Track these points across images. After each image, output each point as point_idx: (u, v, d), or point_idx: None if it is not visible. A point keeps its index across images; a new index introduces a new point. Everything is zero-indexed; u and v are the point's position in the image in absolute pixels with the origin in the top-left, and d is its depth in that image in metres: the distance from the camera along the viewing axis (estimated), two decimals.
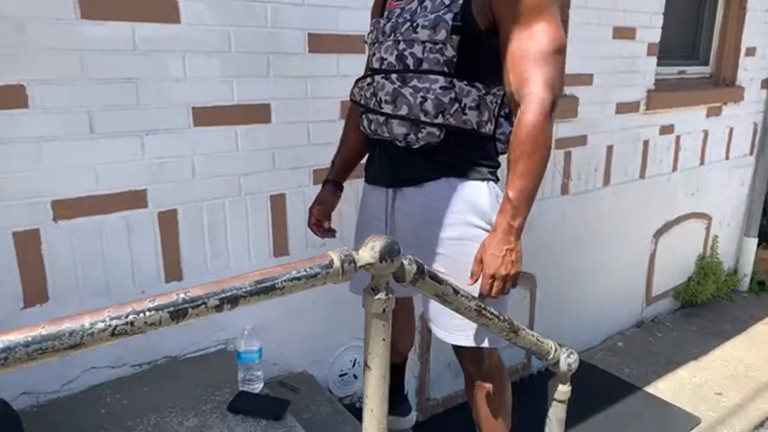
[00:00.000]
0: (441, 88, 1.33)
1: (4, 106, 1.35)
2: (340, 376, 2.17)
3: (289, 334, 1.98)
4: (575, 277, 2.96)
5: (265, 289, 0.78)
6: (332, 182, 1.66)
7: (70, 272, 1.52)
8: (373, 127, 1.44)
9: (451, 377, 2.54)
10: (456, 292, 1.04)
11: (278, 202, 1.86)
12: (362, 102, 1.46)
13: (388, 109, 1.39)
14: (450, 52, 1.31)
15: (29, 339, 0.65)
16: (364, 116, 1.47)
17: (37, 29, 1.36)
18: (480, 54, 1.33)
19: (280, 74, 1.77)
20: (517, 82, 1.27)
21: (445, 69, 1.33)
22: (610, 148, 2.93)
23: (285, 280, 0.81)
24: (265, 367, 1.95)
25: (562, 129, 2.64)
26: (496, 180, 1.46)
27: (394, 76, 1.37)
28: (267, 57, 1.74)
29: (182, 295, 0.72)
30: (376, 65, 1.43)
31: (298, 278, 0.83)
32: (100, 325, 0.67)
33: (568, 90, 2.63)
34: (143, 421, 1.44)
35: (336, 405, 1.90)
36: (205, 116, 1.66)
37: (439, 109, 1.34)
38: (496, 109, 1.39)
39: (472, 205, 1.40)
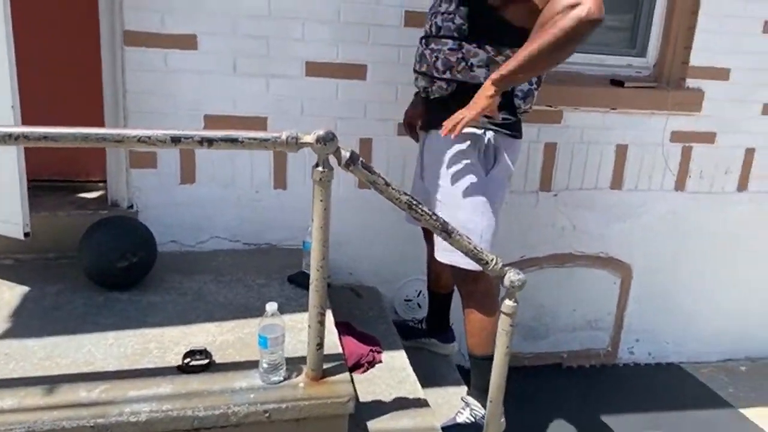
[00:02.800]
0: (449, 49, 1.68)
1: (183, 47, 2.10)
2: (406, 301, 2.58)
3: (364, 253, 2.46)
4: (690, 283, 2.84)
5: (231, 139, 1.30)
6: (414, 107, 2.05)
7: (209, 166, 2.23)
8: (415, 83, 1.86)
9: (518, 338, 2.74)
10: (387, 184, 1.41)
11: (365, 146, 2.35)
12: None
13: (416, 67, 1.79)
14: (458, 20, 1.65)
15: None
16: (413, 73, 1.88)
17: None
18: (489, 23, 1.63)
19: (378, 42, 2.25)
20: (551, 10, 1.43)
21: (455, 34, 1.67)
22: (750, 151, 2.74)
23: (246, 138, 1.31)
24: (342, 275, 2.49)
25: (679, 122, 2.60)
26: (501, 130, 1.71)
27: (424, 40, 1.76)
28: (368, 27, 2.23)
29: (182, 132, 1.28)
30: (421, 33, 1.83)
31: (256, 138, 1.32)
32: (135, 133, 1.25)
33: (692, 82, 2.57)
34: (233, 274, 2.08)
35: (383, 312, 2.33)
36: (315, 69, 2.23)
37: (447, 66, 1.69)
38: None
39: (464, 148, 1.71)
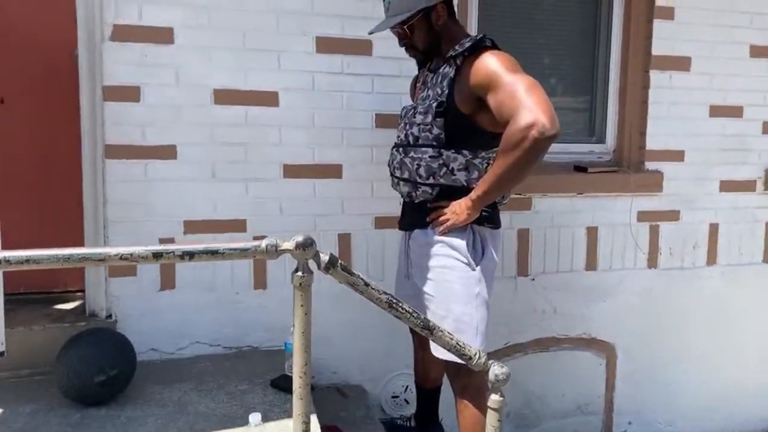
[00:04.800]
0: (430, 156, 1.78)
1: (163, 158, 2.18)
2: (393, 397, 2.53)
3: (350, 350, 2.44)
4: (674, 358, 2.86)
5: (212, 251, 1.32)
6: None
7: (189, 271, 2.24)
8: (392, 185, 1.95)
9: (510, 427, 2.68)
10: (366, 284, 1.43)
11: (344, 240, 2.40)
12: (388, 166, 1.97)
13: (397, 173, 1.88)
14: (436, 130, 1.77)
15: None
16: (390, 177, 1.97)
17: (188, 111, 2.18)
18: (464, 129, 1.76)
19: (352, 144, 2.36)
20: (510, 117, 1.56)
21: (434, 143, 1.77)
22: (714, 227, 2.85)
23: (227, 249, 1.33)
24: (326, 375, 2.45)
25: (643, 203, 2.72)
26: (484, 224, 1.80)
27: (401, 149, 1.86)
28: (342, 131, 2.35)
29: (164, 247, 1.30)
30: (395, 140, 1.94)
31: (236, 249, 1.35)
32: (117, 251, 1.27)
33: (651, 165, 2.72)
34: (215, 380, 2.04)
35: (371, 412, 2.28)
36: (292, 171, 2.31)
37: (430, 172, 1.78)
38: (487, 168, 1.77)
39: (452, 243, 1.78)
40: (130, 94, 2.13)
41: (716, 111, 2.76)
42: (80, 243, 2.10)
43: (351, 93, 2.34)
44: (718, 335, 2.88)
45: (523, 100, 1.55)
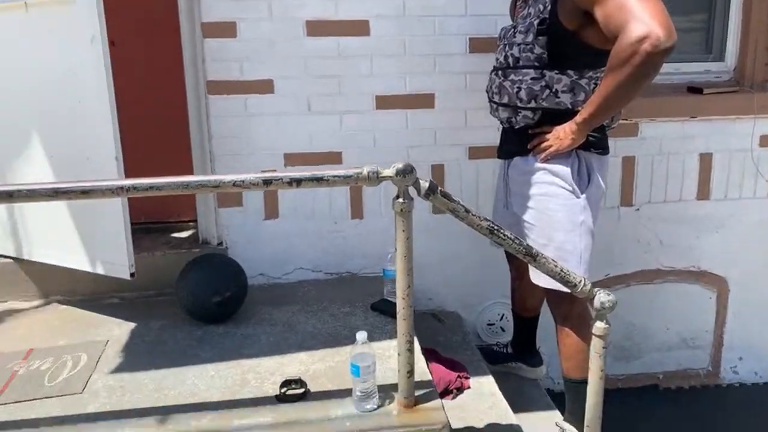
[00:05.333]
0: (532, 78, 1.69)
1: (260, 92, 2.23)
2: (489, 325, 2.56)
3: (444, 278, 2.47)
4: None
5: (317, 178, 1.36)
6: None
7: (290, 201, 2.34)
8: (491, 112, 1.89)
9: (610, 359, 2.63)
10: (467, 210, 1.42)
11: (437, 171, 2.39)
12: (487, 92, 1.91)
13: (496, 98, 1.81)
14: (538, 50, 1.67)
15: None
16: (489, 104, 1.91)
17: (282, 44, 2.21)
18: (568, 47, 1.65)
19: (444, 71, 2.30)
20: (619, 30, 1.41)
21: (536, 63, 1.68)
22: None
23: (331, 176, 1.37)
24: (422, 301, 2.51)
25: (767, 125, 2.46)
26: (590, 149, 1.72)
27: (500, 72, 1.79)
28: (434, 57, 2.29)
29: (273, 174, 1.36)
30: (494, 64, 1.86)
31: (339, 176, 1.38)
32: (230, 178, 1.34)
33: None
34: (319, 303, 2.15)
35: (467, 338, 2.32)
36: (384, 102, 2.30)
37: (531, 95, 1.70)
38: (595, 89, 1.67)
39: (555, 170, 1.72)
40: (227, 29, 2.18)
41: None
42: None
43: (443, 17, 2.25)
44: None
45: (635, 10, 1.41)
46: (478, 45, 2.26)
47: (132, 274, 1.89)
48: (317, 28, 2.21)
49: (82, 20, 1.74)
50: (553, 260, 1.49)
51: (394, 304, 2.09)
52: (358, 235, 2.39)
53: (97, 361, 1.74)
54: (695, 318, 2.65)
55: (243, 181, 1.34)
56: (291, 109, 2.27)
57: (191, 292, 1.97)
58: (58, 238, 2.03)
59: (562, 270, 1.49)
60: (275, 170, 2.29)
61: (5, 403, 1.54)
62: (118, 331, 1.95)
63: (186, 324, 1.98)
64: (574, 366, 1.76)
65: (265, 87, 2.24)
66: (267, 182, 1.35)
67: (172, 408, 1.50)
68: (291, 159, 2.31)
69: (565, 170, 1.69)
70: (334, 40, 2.22)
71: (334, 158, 2.32)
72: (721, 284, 2.62)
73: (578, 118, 1.62)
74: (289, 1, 2.18)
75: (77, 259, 2.01)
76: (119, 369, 1.71)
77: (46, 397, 1.56)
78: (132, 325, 1.99)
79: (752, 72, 2.47)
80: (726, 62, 2.54)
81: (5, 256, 2.21)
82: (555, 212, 1.71)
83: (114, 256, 1.91)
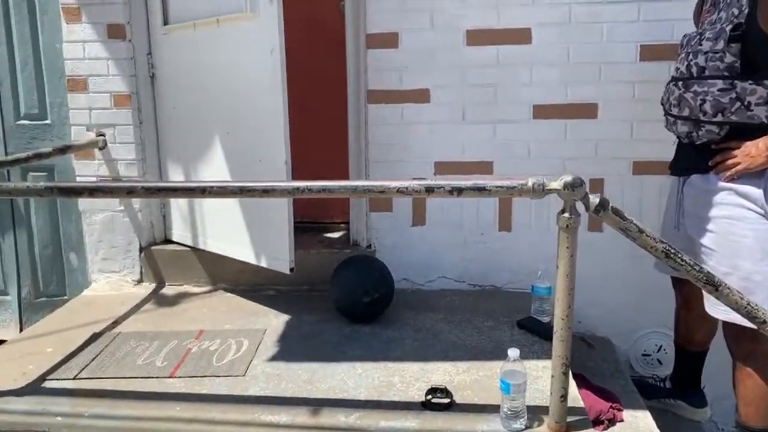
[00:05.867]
0: (719, 90, 1.55)
1: (417, 101, 2.28)
2: (644, 356, 2.36)
3: (595, 300, 2.32)
4: None
5: (478, 188, 1.35)
6: None
7: (438, 209, 2.35)
8: (666, 126, 1.75)
9: None
10: (641, 230, 1.32)
11: (596, 186, 2.25)
12: (662, 104, 1.77)
13: (674, 111, 1.68)
14: (729, 58, 1.52)
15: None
16: (664, 116, 1.78)
17: (441, 54, 2.23)
18: (766, 55, 1.47)
19: (610, 79, 2.17)
20: None
21: (725, 73, 1.53)
22: None
23: (493, 186, 1.35)
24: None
25: None
26: None
27: (680, 83, 1.65)
28: (599, 66, 2.17)
29: (435, 182, 1.37)
30: (673, 74, 1.72)
31: (502, 186, 1.35)
32: (395, 185, 1.37)
33: None
34: (462, 314, 2.14)
35: (618, 365, 2.16)
36: (542, 111, 2.23)
37: (718, 109, 1.55)
38: None
39: (743, 190, 1.55)
40: (389, 40, 2.26)
41: None
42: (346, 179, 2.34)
43: (613, 23, 2.13)
44: None
45: None
46: (649, 53, 2.11)
47: (292, 269, 2.02)
48: (478, 37, 2.21)
49: (265, 34, 1.90)
50: (737, 291, 1.33)
51: (542, 323, 2.04)
52: (505, 248, 2.34)
53: (257, 348, 1.88)
54: None
55: (407, 188, 1.37)
56: (445, 118, 2.29)
57: (343, 290, 2.06)
58: (229, 232, 2.24)
59: (749, 303, 1.33)
60: (425, 178, 2.32)
61: (182, 376, 1.72)
62: (276, 321, 2.09)
63: (336, 321, 2.07)
64: (753, 412, 1.57)
65: (421, 96, 2.28)
66: (429, 189, 1.37)
67: (324, 401, 1.58)
68: (441, 167, 2.32)
69: (756, 191, 1.51)
70: (494, 48, 2.20)
71: (485, 168, 2.30)
72: None
73: None
74: (451, 12, 2.20)
75: (244, 252, 2.20)
76: (276, 357, 1.83)
77: (214, 376, 1.72)
78: (287, 317, 2.12)
79: None
80: None
81: (184, 245, 2.47)
82: (742, 238, 1.53)
83: (277, 252, 2.06)
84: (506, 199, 2.30)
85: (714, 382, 2.05)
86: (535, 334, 1.97)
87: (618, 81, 2.17)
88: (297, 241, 2.41)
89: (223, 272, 2.41)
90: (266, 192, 1.39)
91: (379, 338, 1.94)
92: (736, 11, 1.50)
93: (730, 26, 1.50)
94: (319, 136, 2.62)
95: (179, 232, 2.48)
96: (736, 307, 1.33)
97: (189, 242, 2.45)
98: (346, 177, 2.38)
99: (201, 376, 1.72)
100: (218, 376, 1.72)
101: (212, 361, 1.80)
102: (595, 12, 2.13)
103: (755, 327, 1.34)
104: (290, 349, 1.89)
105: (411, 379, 1.69)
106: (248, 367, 1.76)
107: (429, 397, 1.56)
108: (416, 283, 2.40)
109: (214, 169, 2.24)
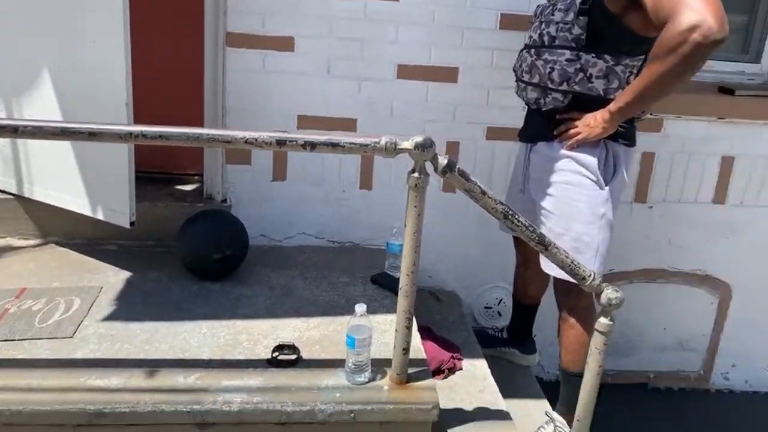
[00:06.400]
0: (567, 60, 1.62)
1: (280, 49, 2.17)
2: (486, 308, 2.54)
3: (445, 257, 2.44)
4: None
5: (332, 143, 1.32)
6: None
7: (300, 164, 2.29)
8: (517, 92, 1.82)
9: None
10: (483, 192, 1.38)
11: (452, 149, 2.33)
12: (514, 71, 1.84)
13: (525, 77, 1.74)
14: (577, 30, 1.60)
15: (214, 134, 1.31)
16: (515, 83, 1.85)
17: (306, 2, 2.13)
18: (609, 31, 1.57)
19: (472, 45, 2.22)
20: (668, 17, 1.34)
21: (573, 44, 1.61)
22: None
23: (347, 142, 1.32)
24: (421, 278, 2.45)
25: None
26: (618, 140, 1.66)
27: (533, 50, 1.72)
28: (462, 30, 2.21)
29: (287, 135, 1.31)
30: (526, 41, 1.78)
31: (355, 143, 1.33)
32: (243, 135, 1.29)
33: None
34: (319, 270, 2.12)
35: (464, 319, 2.31)
36: (406, 72, 2.23)
37: (564, 78, 1.64)
38: (630, 78, 1.61)
39: (581, 158, 1.67)
40: None
41: None
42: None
43: None
44: None
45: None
46: (508, 21, 2.18)
47: (132, 223, 1.86)
48: None
49: None
50: (564, 251, 1.45)
51: (395, 278, 2.08)
52: (365, 206, 2.35)
53: (90, 307, 1.72)
54: (694, 321, 2.62)
55: (256, 139, 1.30)
56: (309, 70, 2.20)
57: (191, 247, 1.94)
58: (60, 179, 1.99)
59: (572, 262, 1.45)
60: (286, 131, 2.23)
61: None
62: (114, 278, 1.93)
63: (183, 278, 1.95)
64: (573, 359, 1.74)
65: (285, 44, 2.17)
66: (281, 142, 1.31)
67: (162, 362, 1.49)
68: (304, 121, 2.25)
69: (591, 160, 1.64)
70: (361, 2, 2.14)
71: (349, 125, 2.27)
72: (725, 291, 2.59)
73: (613, 106, 1.56)
74: None
75: (78, 202, 1.98)
76: (112, 317, 1.69)
77: (36, 338, 1.55)
78: (128, 274, 1.96)
79: None
80: (762, 65, 2.45)
81: (5, 192, 2.17)
82: (576, 202, 1.66)
83: (115, 203, 1.88)
84: (368, 157, 2.30)
85: (543, 332, 2.26)
86: (387, 289, 2.01)
87: (479, 47, 2.22)
88: (143, 193, 2.23)
89: (55, 224, 2.16)
90: (93, 135, 1.24)
91: (229, 296, 1.87)
92: None
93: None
94: (173, 80, 2.40)
95: (0, 178, 2.17)
96: (562, 265, 1.45)
97: (12, 189, 2.15)
98: (202, 125, 2.22)
99: (19, 339, 1.54)
100: (40, 339, 1.55)
101: (34, 323, 1.62)
102: None
103: (578, 283, 1.48)
104: (129, 308, 1.76)
105: (259, 336, 1.66)
106: (78, 328, 1.61)
107: (275, 354, 1.54)
108: (274, 240, 2.34)
109: (47, 107, 1.96)
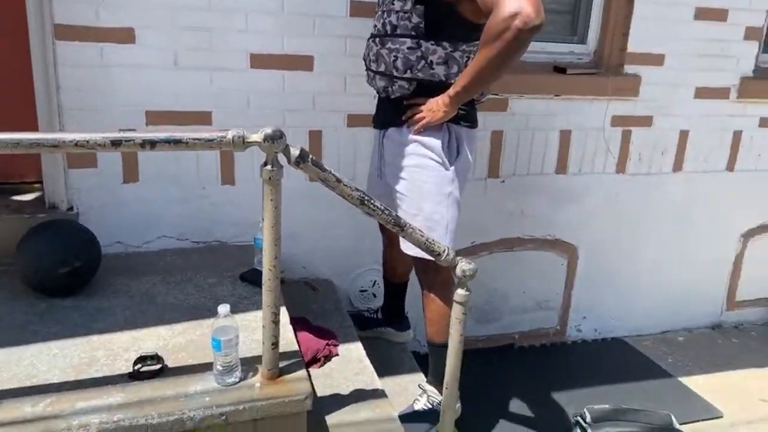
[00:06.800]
0: (408, 48, 1.68)
1: (119, 41, 2.02)
2: (361, 291, 2.59)
3: (318, 245, 2.45)
4: (631, 261, 2.97)
5: (174, 140, 1.26)
6: None
7: (152, 163, 2.16)
8: (367, 81, 1.85)
9: (471, 321, 2.80)
10: (338, 180, 1.40)
11: (315, 137, 2.33)
12: (364, 60, 1.87)
13: (373, 66, 1.78)
14: (416, 19, 1.65)
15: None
16: (365, 72, 1.87)
17: None
18: (444, 19, 1.65)
19: (324, 33, 2.22)
20: (493, 6, 1.45)
21: (413, 33, 1.67)
22: (684, 134, 2.87)
23: (191, 138, 1.27)
24: (296, 269, 2.47)
25: (618, 107, 2.69)
26: (460, 122, 1.75)
27: (377, 39, 1.75)
28: (313, 18, 2.20)
29: (122, 134, 1.23)
30: (372, 31, 1.82)
31: (200, 139, 1.29)
32: (72, 137, 1.19)
33: (630, 69, 2.66)
34: (183, 273, 2.03)
35: (340, 305, 2.34)
36: (259, 60, 2.18)
37: (407, 66, 1.69)
38: (468, 62, 1.69)
39: (427, 142, 1.74)
40: None
41: (702, 14, 2.67)
42: (34, 131, 1.98)
43: None
44: (675, 241, 3.00)
45: None
46: (359, 9, 2.21)
47: None
48: None
49: None
50: (420, 230, 1.52)
51: None
52: (229, 202, 2.28)
53: None
54: (548, 282, 2.88)
55: (88, 141, 1.20)
56: (154, 63, 2.08)
57: (33, 262, 1.77)
58: None
59: (427, 240, 1.53)
60: (135, 129, 2.11)
61: None
62: None
63: (27, 297, 1.78)
64: (437, 331, 1.84)
65: (125, 36, 2.02)
66: (116, 143, 1.22)
67: (4, 393, 1.35)
68: (153, 117, 2.13)
69: (435, 142, 1.72)
70: None
71: (204, 118, 2.18)
72: (572, 252, 2.87)
73: (451, 91, 1.65)
74: None
75: None
76: None
77: None
78: None
79: (609, 56, 2.67)
80: (587, 45, 2.72)
81: None
82: (425, 183, 1.74)
83: None
84: (226, 151, 2.23)
85: (416, 308, 2.34)
86: (256, 285, 1.97)
87: (331, 35, 2.23)
88: None
89: None
90: None
91: (83, 311, 1.74)
92: None
93: None
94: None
95: None
96: (418, 244, 1.52)
97: None
98: (36, 128, 2.02)
99: None
100: None
101: None
102: None
103: (434, 259, 1.56)
104: None
105: (119, 350, 1.56)
106: None
107: (137, 366, 1.46)
108: (131, 246, 2.20)
109: None
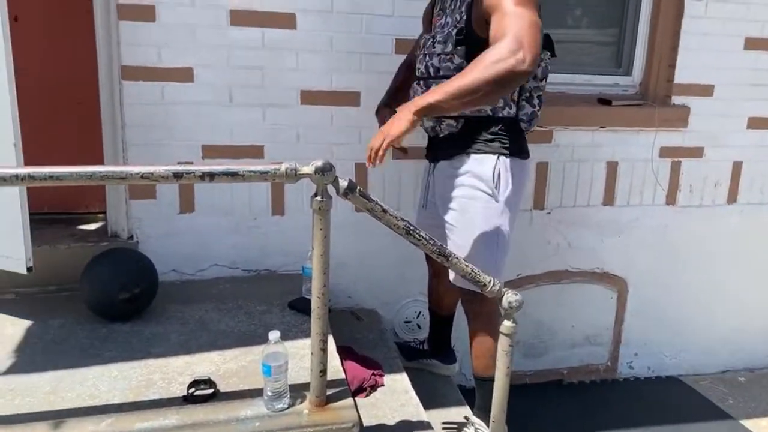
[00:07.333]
0: None
1: (179, 80, 2.15)
2: (406, 322, 2.60)
3: (363, 275, 2.49)
4: (684, 295, 2.87)
5: (231, 173, 1.33)
6: (387, 105, 2.04)
7: (207, 195, 2.26)
8: None
9: (519, 356, 2.76)
10: (384, 210, 1.44)
11: (361, 170, 2.39)
12: None
13: None
14: (458, 60, 1.70)
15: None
16: None
17: (203, 32, 2.13)
18: None
19: (370, 69, 2.30)
20: (498, 40, 1.48)
21: (456, 73, 1.70)
22: (737, 165, 2.79)
23: (246, 171, 1.34)
24: (341, 298, 2.51)
25: (667, 138, 2.66)
26: (511, 154, 1.76)
27: (422, 82, 1.81)
28: (360, 55, 2.29)
29: (184, 167, 1.31)
30: (416, 74, 1.88)
31: (255, 171, 1.35)
32: (138, 170, 1.28)
33: (677, 99, 2.63)
34: (235, 301, 2.10)
35: (383, 334, 2.34)
36: (309, 97, 2.28)
37: None
38: (514, 95, 1.72)
39: (478, 173, 1.76)
40: (144, 12, 2.08)
41: (751, 44, 2.63)
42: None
43: (371, 16, 2.26)
44: (731, 274, 2.89)
45: (519, 32, 1.46)
46: (403, 46, 2.28)
47: (29, 269, 1.77)
48: (241, 17, 2.16)
49: None
50: (465, 261, 1.53)
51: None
52: (279, 232, 2.35)
53: None
54: (597, 316, 2.82)
55: (152, 174, 1.28)
56: (212, 99, 2.20)
57: (96, 287, 1.87)
58: None
59: (472, 270, 1.54)
60: (192, 162, 2.22)
61: None
62: (12, 330, 1.81)
63: (89, 322, 1.87)
64: (483, 364, 1.82)
65: (184, 75, 2.16)
66: (178, 175, 1.30)
67: (68, 412, 1.42)
68: (209, 151, 2.24)
69: (487, 174, 1.73)
70: (258, 31, 2.18)
71: (256, 152, 2.28)
72: (621, 285, 2.80)
73: (423, 102, 1.53)
74: None
75: None
76: (10, 371, 1.59)
77: None
78: (28, 323, 1.86)
79: (655, 87, 2.66)
80: (633, 77, 2.71)
81: None
82: (474, 215, 1.75)
83: (9, 249, 1.78)
84: (278, 183, 2.32)
85: (462, 341, 2.33)
86: (304, 313, 2.02)
87: (377, 71, 2.31)
88: (42, 236, 2.14)
89: None
90: None
91: (141, 336, 1.81)
92: (458, 17, 1.70)
93: (455, 30, 1.69)
94: (69, 117, 2.32)
95: None
96: (464, 274, 1.53)
97: None
98: (102, 162, 2.16)
99: None
100: None
101: None
102: (355, 3, 2.23)
103: (480, 290, 1.56)
104: (30, 359, 1.66)
105: (174, 374, 1.62)
106: None
107: (191, 390, 1.51)
108: (186, 274, 2.29)
109: None
